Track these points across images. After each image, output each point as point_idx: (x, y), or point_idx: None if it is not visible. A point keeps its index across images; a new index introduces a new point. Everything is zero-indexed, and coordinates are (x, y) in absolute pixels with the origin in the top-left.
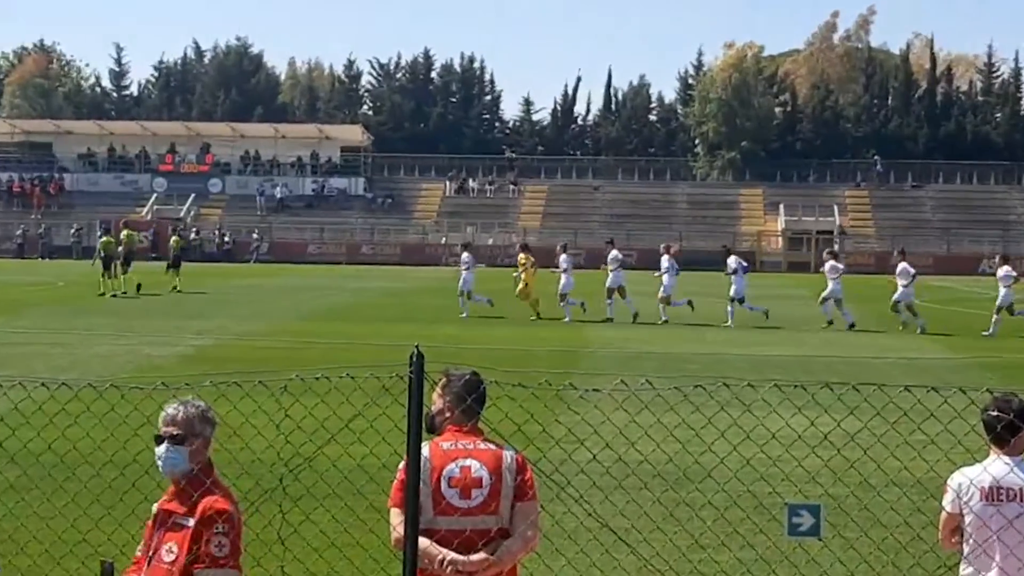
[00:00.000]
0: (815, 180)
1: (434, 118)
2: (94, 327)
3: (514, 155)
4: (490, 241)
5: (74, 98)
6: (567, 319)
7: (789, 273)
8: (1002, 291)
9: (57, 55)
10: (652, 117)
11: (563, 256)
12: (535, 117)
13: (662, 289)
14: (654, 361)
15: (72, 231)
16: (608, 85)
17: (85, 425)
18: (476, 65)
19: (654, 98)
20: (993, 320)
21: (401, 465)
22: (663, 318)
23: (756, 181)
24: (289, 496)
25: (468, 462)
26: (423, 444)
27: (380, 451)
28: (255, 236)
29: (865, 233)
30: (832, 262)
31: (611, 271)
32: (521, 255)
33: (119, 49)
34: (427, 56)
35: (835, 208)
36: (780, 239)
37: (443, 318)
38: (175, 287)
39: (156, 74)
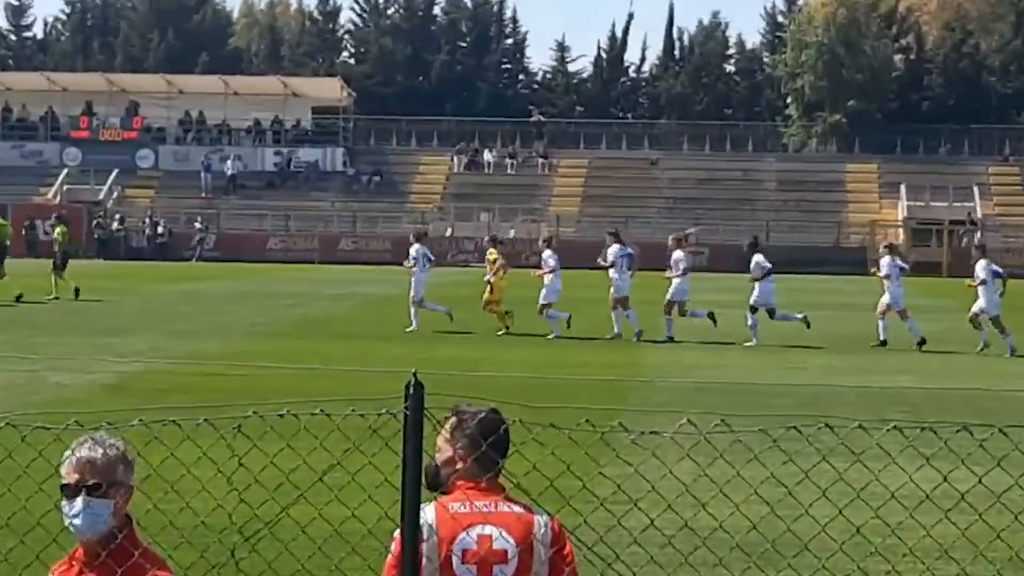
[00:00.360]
0: (948, 152)
1: (437, 69)
2: None
3: (544, 118)
4: (511, 233)
5: None
6: (553, 335)
7: (913, 277)
8: None
9: None
10: (729, 68)
11: (547, 252)
12: (572, 68)
13: (669, 293)
14: (730, 394)
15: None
16: (669, 25)
17: None
18: None
19: (731, 42)
20: None
21: (396, 534)
22: (668, 333)
23: (868, 154)
24: (244, 573)
25: (487, 530)
26: (425, 505)
27: (366, 513)
28: (198, 226)
29: (1017, 222)
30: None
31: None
32: (490, 251)
33: None
34: None
35: (975, 190)
36: (901, 231)
37: (448, 336)
38: (54, 295)
39: (67, 10)
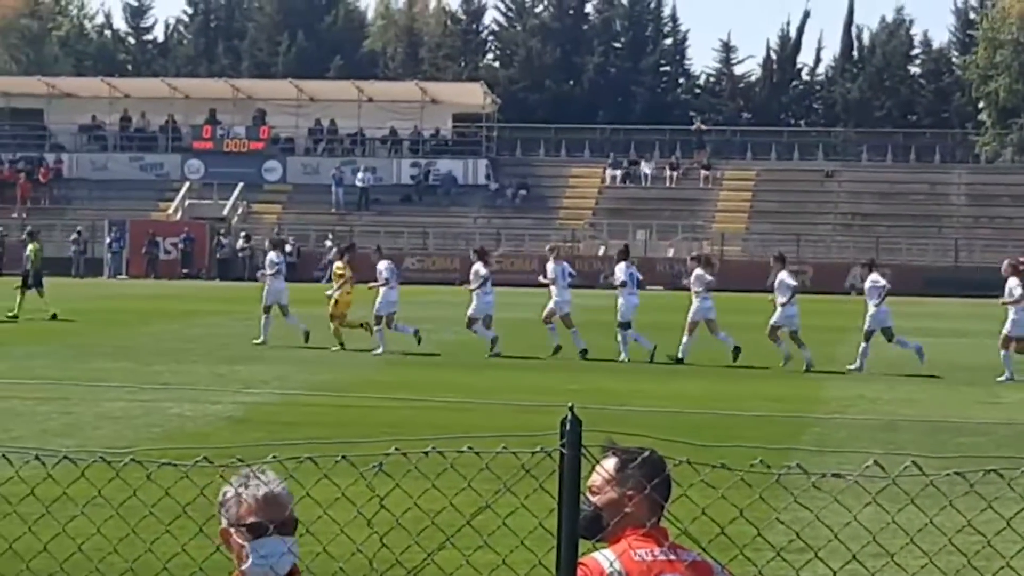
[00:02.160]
0: None
1: (589, 72)
2: (101, 374)
3: (706, 126)
4: (670, 252)
5: (74, 46)
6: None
7: None
8: None
9: None
10: (914, 70)
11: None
12: (739, 70)
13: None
14: (919, 432)
15: (72, 236)
16: (848, 23)
17: (95, 516)
18: None
19: (916, 42)
20: None
21: None
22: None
23: None
24: None
25: None
26: (603, 551)
27: (518, 561)
28: (329, 243)
29: None
30: None
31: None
32: (338, 264)
33: None
34: None
35: None
36: None
37: (601, 364)
38: (13, 314)
39: (190, 11)
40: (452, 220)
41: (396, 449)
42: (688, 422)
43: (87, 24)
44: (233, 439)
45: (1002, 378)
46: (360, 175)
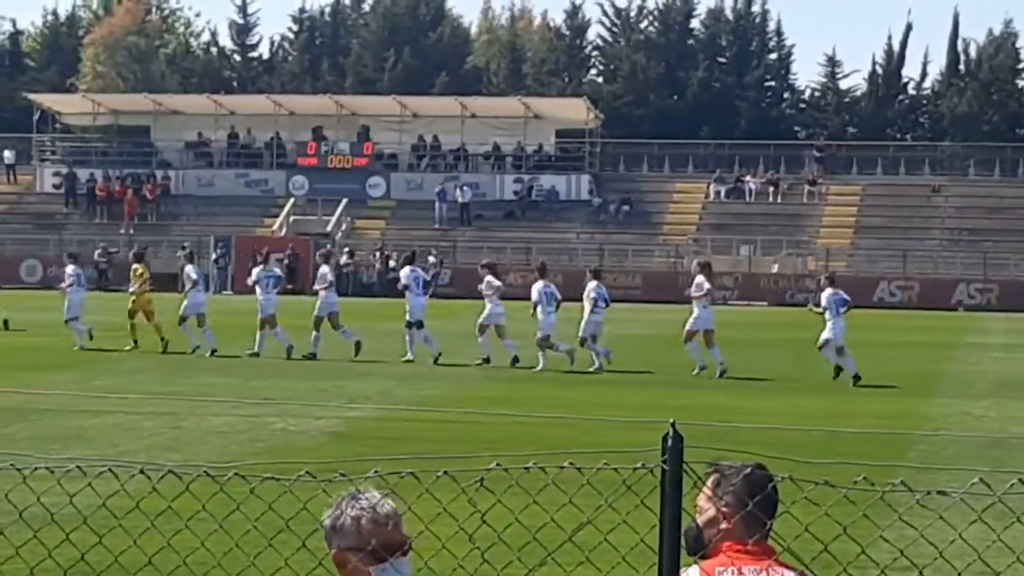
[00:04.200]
0: None
1: (694, 87)
2: (207, 389)
3: (812, 140)
4: (774, 268)
5: (180, 64)
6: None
7: None
8: None
9: (158, 2)
10: (1022, 83)
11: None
12: (843, 84)
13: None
14: None
15: (178, 252)
16: (954, 36)
17: (199, 530)
18: (756, 8)
19: None
20: None
21: None
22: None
23: None
24: None
25: None
26: (688, 569)
27: None
28: (432, 259)
29: None
30: None
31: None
32: (136, 266)
33: None
34: None
35: None
36: None
37: (705, 381)
38: None
39: (295, 28)
40: (555, 236)
41: (497, 465)
42: (792, 439)
43: (193, 42)
44: (336, 454)
45: None
46: (463, 191)
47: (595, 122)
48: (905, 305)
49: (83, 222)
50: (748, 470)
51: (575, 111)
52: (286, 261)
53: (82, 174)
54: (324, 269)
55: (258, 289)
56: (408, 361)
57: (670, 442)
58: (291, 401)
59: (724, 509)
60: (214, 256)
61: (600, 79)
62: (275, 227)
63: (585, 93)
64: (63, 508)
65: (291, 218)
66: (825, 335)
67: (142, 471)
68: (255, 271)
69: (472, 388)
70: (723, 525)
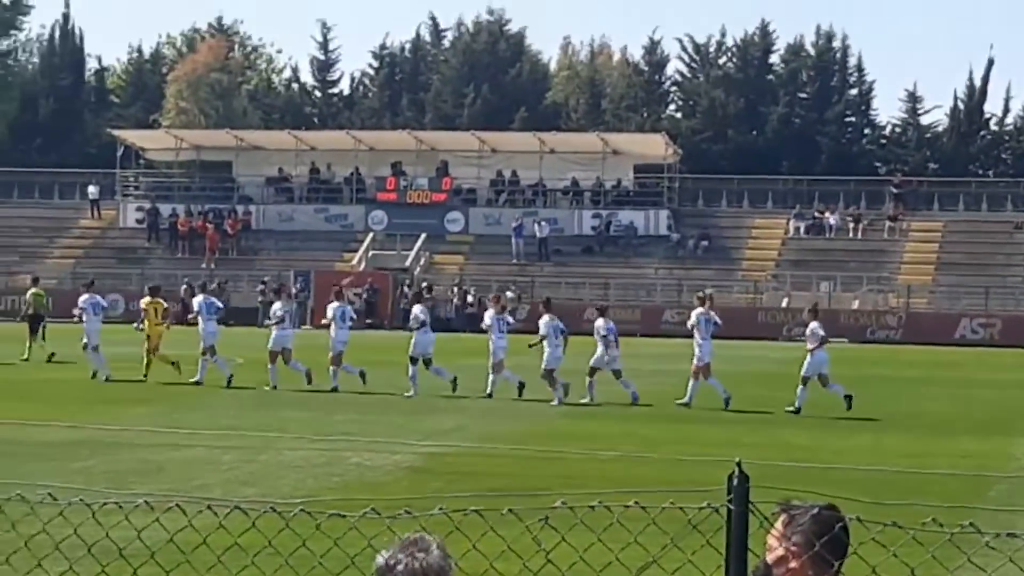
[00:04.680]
0: None
1: (773, 123)
2: (285, 424)
3: (893, 176)
4: (855, 304)
5: (262, 100)
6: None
7: None
8: None
9: (240, 39)
10: None
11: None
12: (925, 120)
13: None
14: None
15: (258, 287)
16: None
17: (265, 566)
18: (837, 44)
19: None
20: None
21: None
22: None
23: None
24: None
25: None
26: None
27: None
28: (510, 294)
29: None
30: None
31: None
32: (147, 299)
33: (326, 29)
34: (764, 31)
35: None
36: None
37: (777, 417)
38: (25, 357)
39: (375, 64)
40: (633, 271)
41: (563, 503)
42: (870, 478)
43: (275, 78)
44: (410, 489)
45: None
46: (541, 226)
47: (674, 157)
48: (987, 343)
49: (165, 256)
50: (817, 510)
51: (654, 146)
52: (365, 296)
53: (165, 209)
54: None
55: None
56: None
57: (736, 481)
58: (368, 436)
59: (792, 548)
60: (294, 291)
61: (679, 114)
62: (354, 262)
63: (664, 128)
64: (132, 543)
65: (370, 253)
66: (806, 369)
67: (209, 507)
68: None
69: (547, 424)
70: (791, 564)
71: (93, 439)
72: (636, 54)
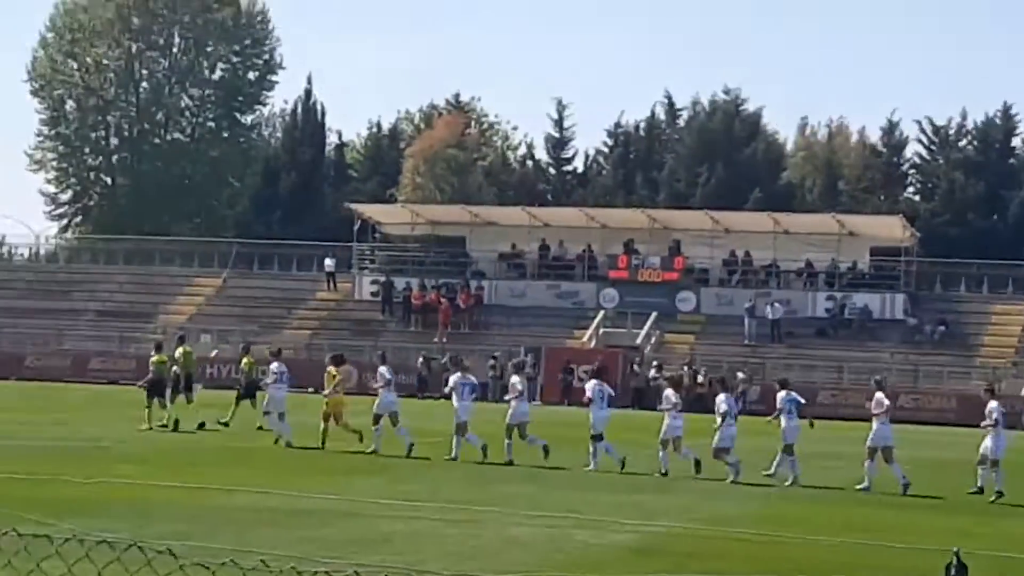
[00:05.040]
0: None
1: (1014, 207)
2: (508, 498)
3: None
4: None
5: (497, 176)
6: (591, 467)
7: None
8: None
9: (477, 115)
10: None
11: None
12: None
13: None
14: None
15: (489, 362)
16: None
17: None
18: None
19: None
20: None
21: None
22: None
23: None
24: None
25: None
26: None
27: None
28: (741, 376)
29: None
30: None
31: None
32: (331, 368)
33: (561, 107)
34: (1006, 114)
35: None
36: None
37: (1004, 508)
38: (224, 422)
39: (610, 142)
40: (868, 355)
41: None
42: None
43: (510, 155)
44: (634, 569)
45: None
46: (774, 307)
47: (911, 240)
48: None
49: (399, 329)
50: None
51: (891, 229)
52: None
53: (399, 282)
54: (515, 379)
55: (454, 396)
56: (589, 470)
57: (953, 571)
58: (591, 513)
59: None
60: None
61: (917, 197)
62: (584, 339)
63: (901, 211)
64: None
65: (601, 330)
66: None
67: None
68: (452, 379)
69: (771, 507)
70: None
71: (318, 508)
72: (874, 135)
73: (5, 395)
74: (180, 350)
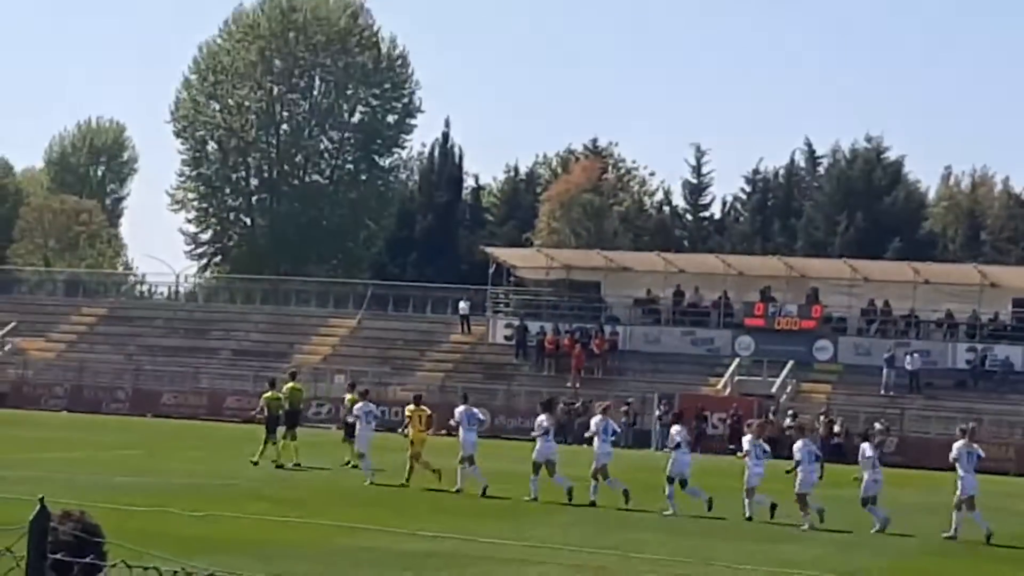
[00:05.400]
0: None
1: None
2: (638, 545)
3: None
4: None
5: (633, 222)
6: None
7: None
8: None
9: (614, 160)
10: None
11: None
12: None
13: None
14: None
15: (623, 408)
16: None
17: None
18: None
19: None
20: None
21: None
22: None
23: None
24: None
25: None
26: None
27: None
28: (878, 426)
29: None
30: None
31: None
32: (411, 407)
33: (699, 153)
34: None
35: None
36: None
37: None
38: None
39: (748, 189)
40: (1008, 408)
41: None
42: None
43: (647, 200)
44: None
45: None
46: (912, 358)
47: None
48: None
49: (531, 373)
50: None
51: None
52: (729, 421)
53: (533, 327)
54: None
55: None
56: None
57: None
58: (721, 561)
59: None
60: (657, 413)
61: None
62: (719, 386)
63: None
64: None
65: (735, 378)
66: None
67: None
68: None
69: (908, 560)
70: None
71: (447, 551)
72: (1018, 185)
73: (140, 431)
74: (288, 386)
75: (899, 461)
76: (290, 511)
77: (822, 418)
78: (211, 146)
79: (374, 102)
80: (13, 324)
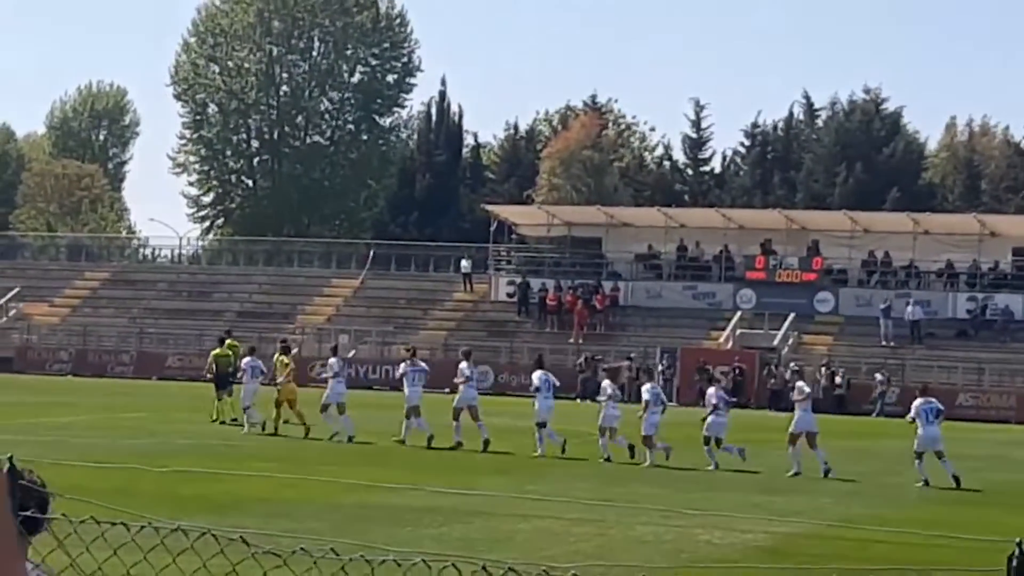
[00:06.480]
0: None
1: None
2: (637, 498)
3: None
4: None
5: (633, 177)
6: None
7: None
8: None
9: (614, 116)
10: None
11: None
12: None
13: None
14: None
15: (624, 363)
16: None
17: None
18: None
19: None
20: None
21: None
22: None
23: None
24: None
25: None
26: None
27: None
28: (879, 377)
29: None
30: None
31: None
32: (281, 357)
33: (699, 108)
34: None
35: None
36: None
37: None
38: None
39: (747, 143)
40: (1009, 356)
41: None
42: None
43: (647, 156)
44: (759, 569)
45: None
46: (913, 308)
47: None
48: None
49: (534, 331)
50: None
51: None
52: (731, 374)
53: (535, 283)
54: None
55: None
56: (538, 456)
57: (1015, 562)
58: (720, 512)
59: None
60: (659, 368)
61: None
62: (721, 340)
63: None
64: None
65: (737, 331)
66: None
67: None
68: (402, 365)
69: (907, 509)
70: None
71: (448, 506)
72: (1018, 134)
73: (145, 394)
74: (227, 343)
75: (901, 411)
76: (293, 469)
77: (823, 369)
78: (211, 109)
79: (373, 62)
80: (17, 289)
